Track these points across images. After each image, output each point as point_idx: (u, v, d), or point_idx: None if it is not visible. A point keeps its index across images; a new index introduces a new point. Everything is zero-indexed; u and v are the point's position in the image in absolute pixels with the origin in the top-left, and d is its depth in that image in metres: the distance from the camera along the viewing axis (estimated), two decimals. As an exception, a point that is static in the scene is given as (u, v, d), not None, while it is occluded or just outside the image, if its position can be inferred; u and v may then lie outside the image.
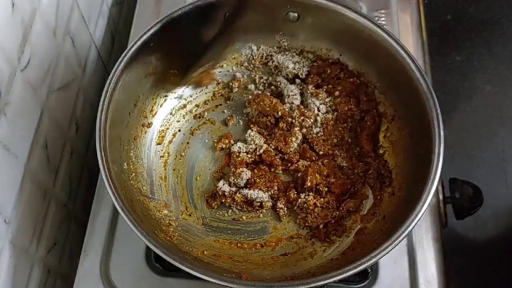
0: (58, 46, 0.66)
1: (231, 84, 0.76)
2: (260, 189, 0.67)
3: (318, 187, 0.67)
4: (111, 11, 0.86)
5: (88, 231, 0.68)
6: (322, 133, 0.71)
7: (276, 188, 0.68)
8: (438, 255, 0.67)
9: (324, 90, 0.73)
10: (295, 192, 0.67)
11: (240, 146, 0.70)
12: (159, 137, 0.72)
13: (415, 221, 0.54)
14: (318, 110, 0.72)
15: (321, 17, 0.69)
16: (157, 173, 0.69)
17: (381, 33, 0.65)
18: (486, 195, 0.68)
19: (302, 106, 0.72)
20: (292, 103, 0.72)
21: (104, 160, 0.57)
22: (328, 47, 0.73)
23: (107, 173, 0.57)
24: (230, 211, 0.68)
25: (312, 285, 0.52)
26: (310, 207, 0.65)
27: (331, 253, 0.63)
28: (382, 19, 0.82)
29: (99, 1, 0.80)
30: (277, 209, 0.67)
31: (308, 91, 0.73)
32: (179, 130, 0.73)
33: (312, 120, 0.71)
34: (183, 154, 0.72)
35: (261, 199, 0.66)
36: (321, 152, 0.70)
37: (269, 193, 0.68)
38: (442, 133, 0.59)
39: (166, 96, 0.73)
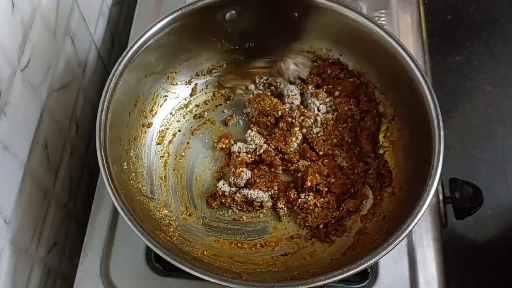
0: (58, 46, 0.66)
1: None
2: (260, 189, 0.67)
3: (318, 187, 0.67)
4: (111, 11, 0.86)
5: (88, 231, 0.68)
6: (322, 133, 0.71)
7: (276, 188, 0.68)
8: (438, 255, 0.67)
9: (324, 90, 0.73)
10: (295, 192, 0.67)
11: (240, 146, 0.70)
12: (159, 137, 0.72)
13: (415, 221, 0.54)
14: (318, 110, 0.72)
15: (321, 17, 0.69)
16: (157, 173, 0.69)
17: (381, 33, 0.65)
18: (486, 195, 0.68)
19: (302, 106, 0.72)
20: (292, 103, 0.72)
21: (104, 160, 0.57)
22: (328, 47, 0.73)
23: (107, 173, 0.57)
24: (230, 211, 0.68)
25: (312, 285, 0.52)
26: (310, 207, 0.65)
27: (331, 253, 0.63)
28: (382, 19, 0.82)
29: (99, 1, 0.80)
30: (277, 209, 0.67)
31: (308, 91, 0.73)
32: (179, 130, 0.73)
33: (312, 120, 0.71)
34: (183, 154, 0.72)
35: (261, 199, 0.66)
36: (321, 152, 0.70)
37: (269, 193, 0.68)
38: (442, 133, 0.59)
39: (166, 96, 0.73)
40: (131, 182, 0.64)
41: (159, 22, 0.65)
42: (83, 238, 0.67)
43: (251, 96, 0.75)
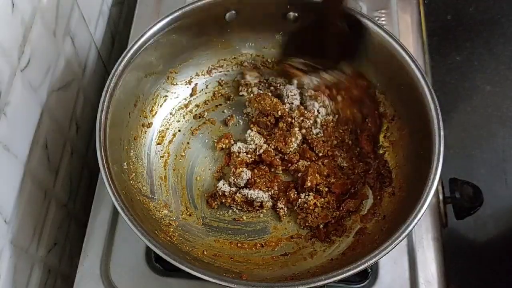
0: (58, 46, 0.66)
1: (240, 88, 0.76)
2: (260, 189, 0.67)
3: (318, 187, 0.67)
4: (111, 11, 0.86)
5: (88, 231, 0.68)
6: (321, 135, 0.71)
7: (276, 188, 0.68)
8: (438, 255, 0.67)
9: (326, 94, 0.73)
10: (295, 192, 0.67)
11: (240, 146, 0.70)
12: (159, 137, 0.72)
13: (415, 221, 0.54)
14: (318, 112, 0.72)
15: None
16: (157, 173, 0.69)
17: (381, 33, 0.65)
18: (486, 195, 0.68)
19: (302, 107, 0.72)
20: (292, 103, 0.72)
21: (104, 160, 0.57)
22: (328, 47, 0.73)
23: (107, 173, 0.57)
24: (230, 211, 0.68)
25: (312, 285, 0.52)
26: (310, 207, 0.65)
27: (331, 253, 0.63)
28: (382, 19, 0.82)
29: (99, 1, 0.80)
30: (277, 209, 0.67)
31: (307, 94, 0.73)
32: (179, 130, 0.73)
33: (311, 121, 0.71)
34: (183, 154, 0.72)
35: (261, 199, 0.66)
36: (320, 154, 0.70)
37: (269, 193, 0.68)
38: (442, 133, 0.59)
39: (166, 96, 0.73)
40: (131, 182, 0.64)
41: (159, 22, 0.65)
42: (83, 238, 0.67)
43: (251, 96, 0.75)
